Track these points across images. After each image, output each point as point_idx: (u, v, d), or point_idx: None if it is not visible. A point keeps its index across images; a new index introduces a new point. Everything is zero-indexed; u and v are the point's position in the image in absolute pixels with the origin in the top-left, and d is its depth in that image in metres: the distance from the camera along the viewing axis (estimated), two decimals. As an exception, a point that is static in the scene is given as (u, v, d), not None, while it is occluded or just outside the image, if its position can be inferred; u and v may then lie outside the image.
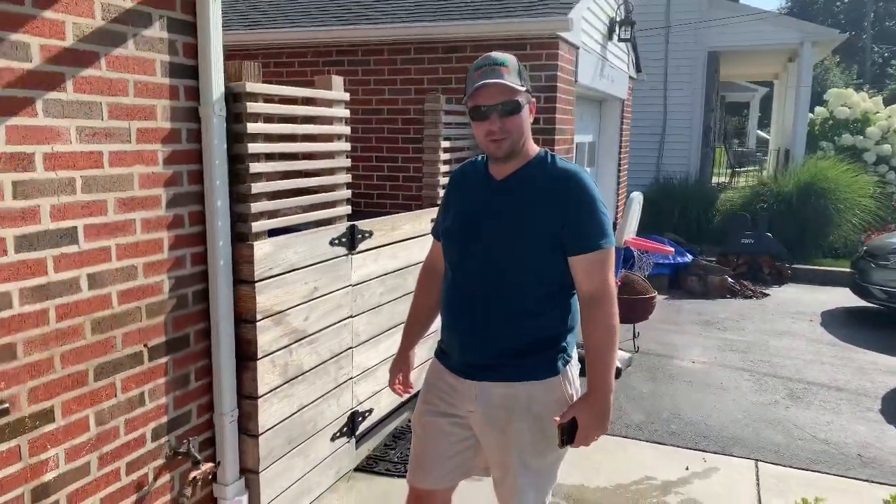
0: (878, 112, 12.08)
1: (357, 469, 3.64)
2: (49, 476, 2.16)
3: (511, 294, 2.05)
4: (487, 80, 1.94)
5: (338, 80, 3.30)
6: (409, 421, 4.16)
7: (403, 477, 3.52)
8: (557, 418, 2.01)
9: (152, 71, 2.41)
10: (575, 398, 2.11)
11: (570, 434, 2.00)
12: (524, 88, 1.99)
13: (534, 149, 2.11)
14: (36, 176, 2.04)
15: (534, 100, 2.09)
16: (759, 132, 24.55)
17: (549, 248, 2.01)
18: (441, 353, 2.26)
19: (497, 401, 2.09)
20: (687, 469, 3.77)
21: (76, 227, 2.18)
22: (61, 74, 2.09)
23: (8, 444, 2.02)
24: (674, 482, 3.62)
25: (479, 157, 2.23)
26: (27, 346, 2.05)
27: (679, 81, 11.85)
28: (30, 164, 2.02)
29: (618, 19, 7.05)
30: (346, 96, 3.34)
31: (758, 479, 3.67)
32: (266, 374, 2.90)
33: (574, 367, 2.17)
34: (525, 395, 2.07)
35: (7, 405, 1.88)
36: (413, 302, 2.44)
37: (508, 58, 2.01)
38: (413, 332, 2.43)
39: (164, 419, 2.58)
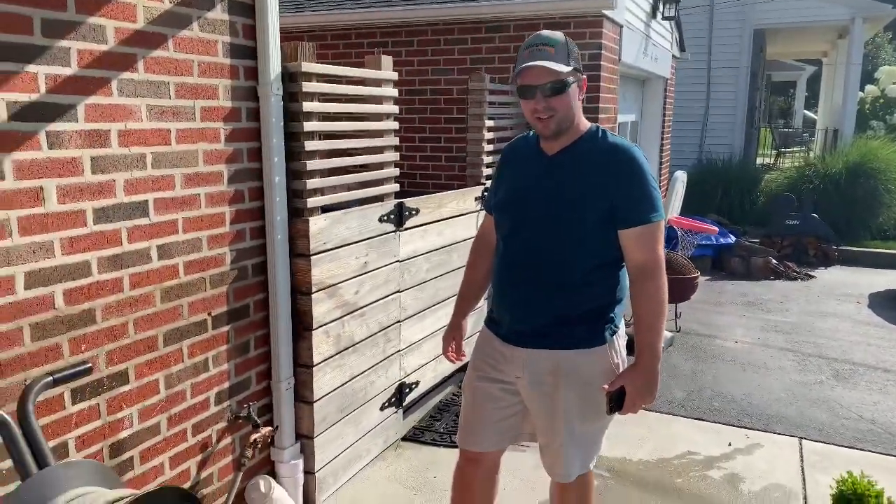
0: (932, 90, 11.71)
1: (404, 438, 3.76)
2: (124, 434, 2.31)
3: (561, 265, 2.12)
4: (531, 63, 2.00)
5: (387, 60, 3.38)
6: (454, 394, 4.28)
7: (449, 447, 3.64)
8: (606, 386, 2.07)
9: (215, 52, 2.52)
10: (621, 368, 2.17)
11: (618, 401, 2.06)
12: (571, 68, 2.03)
13: (585, 125, 2.16)
14: (111, 152, 2.17)
15: (584, 77, 2.14)
16: (805, 112, 23.89)
17: (599, 220, 2.06)
18: (490, 322, 2.34)
19: (545, 367, 2.16)
20: (730, 445, 3.80)
21: (147, 201, 2.31)
22: (133, 55, 2.21)
23: (89, 402, 2.17)
24: (716, 457, 3.66)
25: (531, 133, 2.28)
26: (105, 311, 2.19)
27: (723, 60, 11.64)
28: (106, 141, 2.14)
29: (662, -3, 6.96)
30: (395, 76, 3.41)
31: (801, 456, 3.69)
32: (320, 344, 3.01)
33: (621, 339, 2.23)
34: (573, 363, 2.14)
35: (90, 365, 2.02)
36: (465, 273, 2.53)
37: (557, 38, 2.06)
38: (465, 302, 2.51)
39: (226, 385, 2.72)
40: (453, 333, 2.52)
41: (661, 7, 6.91)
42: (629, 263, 2.10)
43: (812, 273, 8.26)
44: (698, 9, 11.18)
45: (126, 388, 2.30)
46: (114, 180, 2.18)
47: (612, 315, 2.18)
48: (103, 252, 2.17)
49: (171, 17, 2.32)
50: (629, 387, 2.05)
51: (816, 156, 11.75)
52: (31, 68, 1.91)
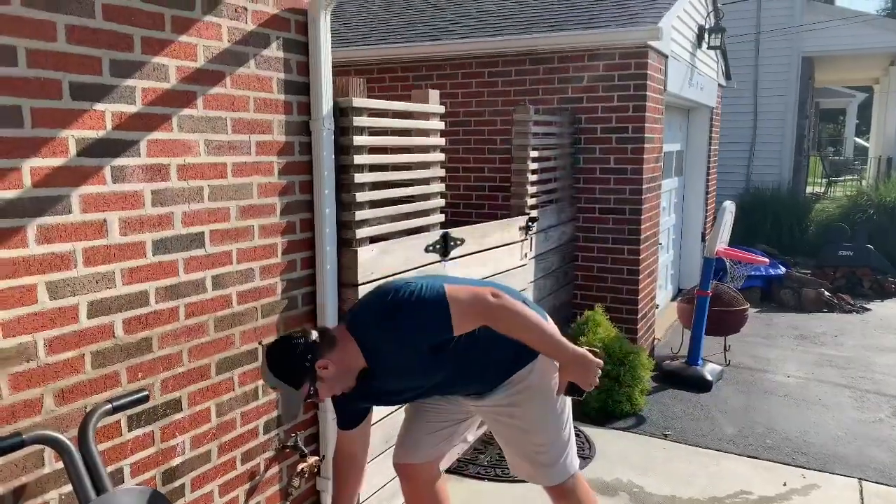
0: None
1: (448, 471, 3.73)
2: (177, 461, 2.35)
3: (471, 376, 2.31)
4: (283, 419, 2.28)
5: (434, 94, 3.43)
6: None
7: (493, 480, 3.60)
8: (558, 394, 2.28)
9: (269, 88, 2.59)
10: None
11: (577, 390, 2.21)
12: (302, 385, 2.05)
13: (349, 345, 2.11)
14: (170, 185, 2.24)
15: (321, 361, 2.06)
16: (856, 139, 23.33)
17: (439, 348, 2.13)
18: None
19: (502, 393, 2.35)
20: (785, 485, 3.67)
21: (203, 233, 2.37)
22: (193, 92, 2.30)
23: (144, 429, 2.22)
24: (771, 497, 3.53)
25: None
26: (161, 340, 2.25)
27: (770, 88, 11.48)
28: (166, 175, 2.22)
29: (707, 27, 6.93)
30: (442, 109, 3.46)
31: (862, 499, 3.54)
32: (366, 375, 3.02)
33: None
34: (523, 377, 2.34)
35: (147, 392, 2.07)
36: (338, 486, 2.45)
37: (271, 379, 2.07)
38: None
39: (274, 413, 2.75)
40: None
41: (706, 37, 6.88)
42: (482, 328, 2.16)
43: (867, 306, 7.99)
44: (745, 37, 11.09)
45: (179, 415, 2.35)
46: (172, 212, 2.26)
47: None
48: (161, 282, 2.24)
49: (228, 56, 2.41)
50: (571, 376, 2.16)
51: (869, 184, 11.44)
52: (99, 106, 2.00)
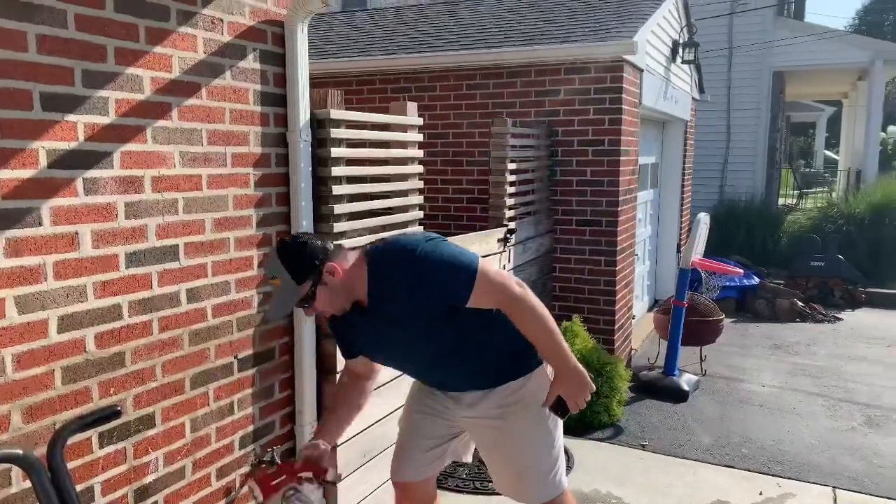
0: (955, 131, 11.62)
1: (427, 484, 3.70)
2: (150, 478, 2.30)
3: (460, 355, 2.23)
4: (268, 316, 2.19)
5: (412, 106, 3.43)
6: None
7: (473, 493, 3.58)
8: (545, 405, 2.19)
9: (246, 99, 2.58)
10: None
11: (562, 408, 2.18)
12: (304, 282, 2.01)
13: (362, 272, 2.09)
14: (144, 197, 2.21)
15: (328, 264, 2.05)
16: (826, 152, 23.80)
17: (453, 313, 2.09)
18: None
19: (492, 402, 2.30)
20: (761, 494, 3.70)
21: (178, 245, 2.34)
22: (168, 104, 2.27)
23: (116, 445, 2.18)
24: (747, 507, 3.56)
25: None
26: (134, 354, 2.21)
27: (742, 102, 11.67)
28: (140, 187, 2.19)
29: (681, 41, 7.04)
30: (420, 121, 3.47)
31: (836, 506, 3.58)
32: (344, 388, 3.00)
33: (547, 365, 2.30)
34: (516, 392, 2.28)
35: (119, 408, 2.03)
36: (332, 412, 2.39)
37: (276, 267, 2.02)
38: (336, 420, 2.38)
39: (250, 428, 2.71)
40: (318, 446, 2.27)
41: (680, 51, 6.98)
42: (493, 310, 2.14)
43: (839, 315, 8.12)
44: (718, 52, 11.27)
45: (153, 431, 2.30)
46: (146, 225, 2.22)
47: (531, 349, 2.21)
48: (134, 296, 2.20)
49: (204, 67, 2.39)
50: (562, 393, 2.14)
51: (839, 196, 11.67)
52: (71, 117, 1.97)
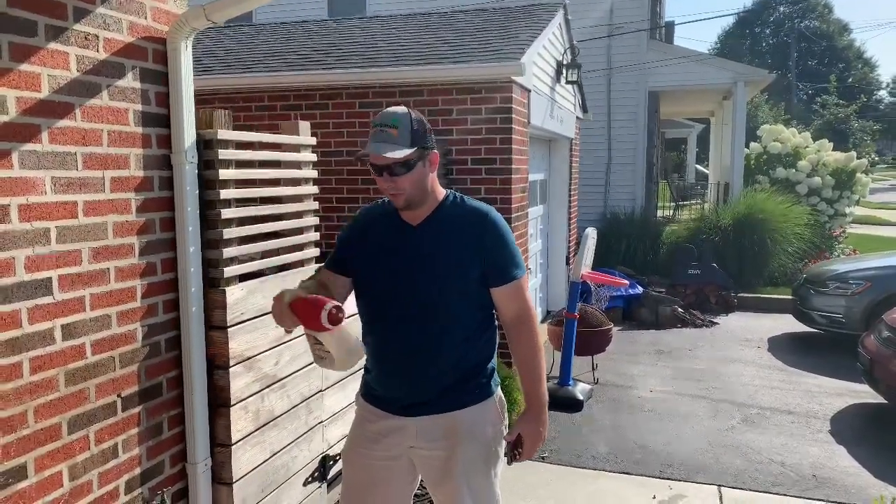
0: (807, 146, 12.75)
1: (329, 514, 3.59)
2: (21, 535, 2.09)
3: (449, 331, 2.14)
4: (370, 151, 2.00)
5: (304, 126, 3.36)
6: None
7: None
8: (507, 438, 2.18)
9: (125, 120, 2.42)
10: (504, 415, 2.26)
11: (514, 450, 2.16)
12: (414, 148, 2.01)
13: (441, 192, 2.18)
14: (11, 227, 2.02)
15: (435, 151, 2.11)
16: (697, 166, 25.50)
17: (473, 284, 2.13)
18: (373, 398, 2.28)
19: (440, 431, 2.16)
20: (654, 498, 3.86)
21: (51, 278, 2.16)
22: (37, 126, 2.10)
23: (-19, 503, 1.97)
24: (643, 511, 3.70)
25: (387, 200, 2.23)
26: (2, 401, 2.01)
27: (622, 120, 12.30)
28: (5, 216, 2.00)
29: (565, 62, 7.33)
30: (313, 141, 3.40)
31: (722, 504, 3.79)
32: (239, 421, 2.87)
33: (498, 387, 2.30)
34: (466, 421, 2.16)
35: (-16, 463, 1.84)
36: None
37: (400, 116, 2.02)
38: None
39: (137, 471, 2.53)
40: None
41: (564, 72, 7.26)
42: (504, 316, 2.19)
43: (715, 320, 8.67)
44: (598, 72, 11.83)
45: (24, 483, 2.09)
46: (13, 257, 2.03)
47: (493, 367, 2.26)
48: (1, 335, 2.00)
49: (78, 86, 2.23)
50: (525, 433, 2.15)
51: (710, 208, 12.49)
52: (-78, 141, 1.78)
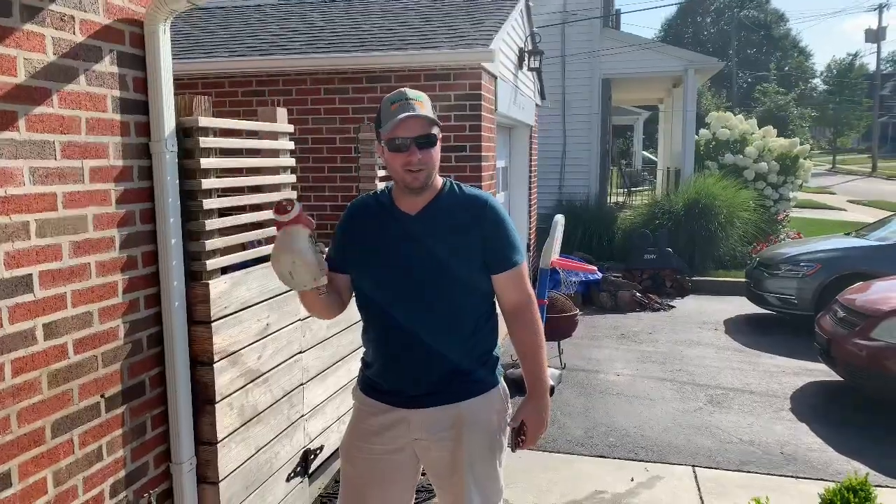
0: (753, 133, 13.13)
1: (311, 509, 3.54)
2: (7, 547, 1.98)
3: (453, 321, 2.12)
4: (408, 113, 1.97)
5: (282, 112, 3.26)
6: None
7: None
8: (509, 424, 2.17)
9: (104, 107, 2.30)
10: (509, 403, 2.25)
11: (517, 437, 2.15)
12: (436, 126, 2.05)
13: (440, 180, 2.16)
14: (-11, 221, 1.90)
15: (441, 135, 2.13)
16: (644, 153, 26.01)
17: (475, 271, 2.12)
18: (371, 390, 2.23)
19: (446, 422, 2.13)
20: (632, 480, 3.92)
21: (31, 275, 2.03)
22: (14, 113, 1.97)
23: (-35, 515, 1.85)
24: (622, 494, 3.76)
25: (379, 191, 2.23)
26: (-17, 406, 1.89)
27: (576, 107, 12.42)
28: (-18, 209, 1.88)
29: (526, 49, 7.34)
30: (291, 128, 3.30)
31: (697, 484, 3.88)
32: (224, 418, 2.78)
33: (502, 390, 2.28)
34: (473, 411, 2.13)
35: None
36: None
37: (422, 94, 2.08)
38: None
39: (121, 473, 2.42)
40: None
41: (527, 59, 7.27)
42: (506, 304, 2.18)
43: (672, 304, 8.87)
44: (553, 59, 11.89)
45: (8, 492, 1.98)
46: (-8, 253, 1.91)
47: (497, 355, 2.25)
48: (-20, 337, 1.88)
49: (56, 71, 2.10)
50: (529, 420, 2.15)
51: (662, 194, 12.75)
52: None
